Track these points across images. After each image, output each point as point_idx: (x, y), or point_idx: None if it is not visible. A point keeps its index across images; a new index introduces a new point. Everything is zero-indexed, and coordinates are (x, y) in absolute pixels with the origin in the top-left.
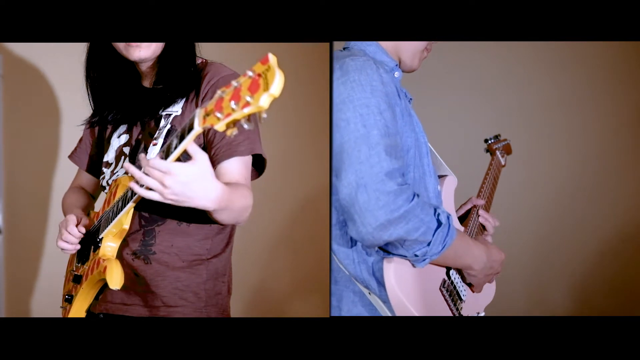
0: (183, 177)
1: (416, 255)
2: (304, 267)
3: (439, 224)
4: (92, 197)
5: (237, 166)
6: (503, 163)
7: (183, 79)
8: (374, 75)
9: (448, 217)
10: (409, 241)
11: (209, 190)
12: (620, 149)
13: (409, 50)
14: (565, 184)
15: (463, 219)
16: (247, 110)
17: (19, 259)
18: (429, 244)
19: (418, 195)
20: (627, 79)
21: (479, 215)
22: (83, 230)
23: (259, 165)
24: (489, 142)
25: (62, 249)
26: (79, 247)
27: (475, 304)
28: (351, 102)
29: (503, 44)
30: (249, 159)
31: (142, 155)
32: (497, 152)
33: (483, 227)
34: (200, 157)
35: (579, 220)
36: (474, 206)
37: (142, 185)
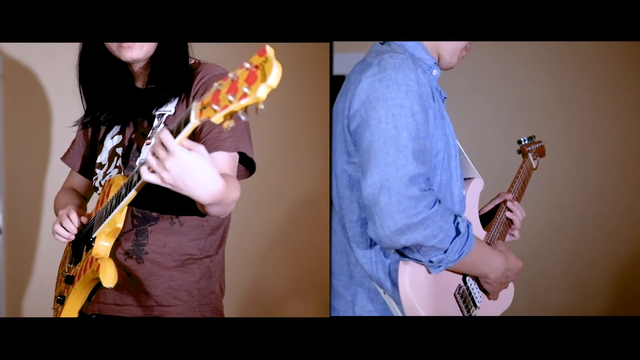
0: (185, 161)
1: (431, 262)
2: (304, 267)
3: (458, 232)
4: (84, 198)
5: (225, 159)
6: (535, 166)
7: (176, 79)
8: (411, 74)
9: (468, 226)
10: (426, 247)
11: (209, 182)
12: (621, 149)
13: (449, 47)
14: (566, 184)
15: (492, 213)
16: (244, 102)
17: (19, 259)
18: (445, 252)
19: (440, 202)
20: (628, 78)
21: (508, 210)
22: (85, 220)
23: (249, 165)
24: (522, 143)
25: (57, 235)
26: (73, 237)
27: (490, 310)
28: (385, 100)
29: (503, 44)
30: (235, 155)
31: (162, 127)
32: (530, 155)
33: (510, 222)
34: (200, 149)
35: (580, 220)
36: (503, 201)
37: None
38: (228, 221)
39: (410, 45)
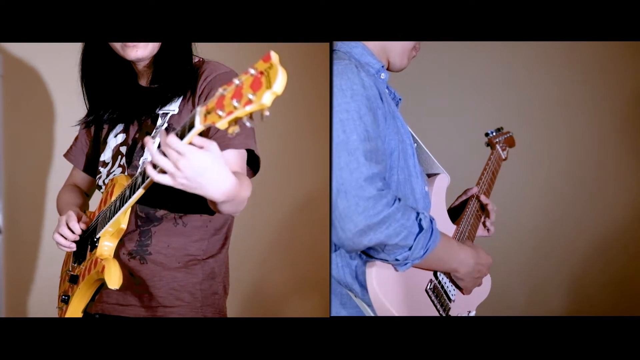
0: (196, 162)
1: (397, 260)
2: (304, 267)
3: (421, 228)
4: (87, 195)
5: (234, 157)
6: (504, 156)
7: (180, 77)
8: (355, 79)
9: (431, 221)
10: (390, 246)
11: (221, 180)
12: (619, 148)
13: (397, 50)
14: (564, 182)
15: (460, 208)
16: (249, 108)
17: (19, 259)
18: (410, 249)
19: (399, 200)
20: (627, 78)
21: (484, 204)
22: (84, 226)
23: (253, 165)
24: (490, 135)
25: (57, 243)
26: (74, 246)
27: (466, 303)
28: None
29: (503, 44)
30: (243, 153)
31: (162, 130)
32: (498, 146)
33: (481, 215)
34: (212, 147)
35: (578, 219)
36: (472, 196)
37: (155, 168)
38: (231, 220)
39: (357, 51)
